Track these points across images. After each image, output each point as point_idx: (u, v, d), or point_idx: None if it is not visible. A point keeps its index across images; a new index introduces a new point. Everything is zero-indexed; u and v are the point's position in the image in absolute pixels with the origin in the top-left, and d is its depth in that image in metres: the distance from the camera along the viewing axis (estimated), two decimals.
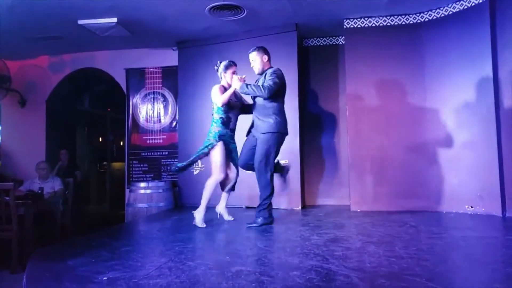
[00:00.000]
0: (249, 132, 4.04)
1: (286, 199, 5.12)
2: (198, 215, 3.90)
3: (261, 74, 3.91)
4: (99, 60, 6.58)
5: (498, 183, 4.19)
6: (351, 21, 5.11)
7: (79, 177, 6.71)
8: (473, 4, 4.46)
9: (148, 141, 6.37)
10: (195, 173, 5.71)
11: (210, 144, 3.89)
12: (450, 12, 4.68)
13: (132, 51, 6.37)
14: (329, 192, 5.62)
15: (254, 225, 3.82)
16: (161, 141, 6.34)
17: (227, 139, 3.94)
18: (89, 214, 7.85)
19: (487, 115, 4.32)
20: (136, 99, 6.44)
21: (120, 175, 7.55)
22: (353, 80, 5.08)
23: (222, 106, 3.80)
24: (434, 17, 4.82)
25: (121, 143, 8.74)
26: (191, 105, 5.83)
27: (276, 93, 3.75)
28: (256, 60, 3.94)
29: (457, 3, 4.59)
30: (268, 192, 3.82)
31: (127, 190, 6.11)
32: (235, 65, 4.04)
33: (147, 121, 6.40)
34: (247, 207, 5.31)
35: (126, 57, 6.41)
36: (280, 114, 3.82)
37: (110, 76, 6.58)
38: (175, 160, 6.08)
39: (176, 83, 6.04)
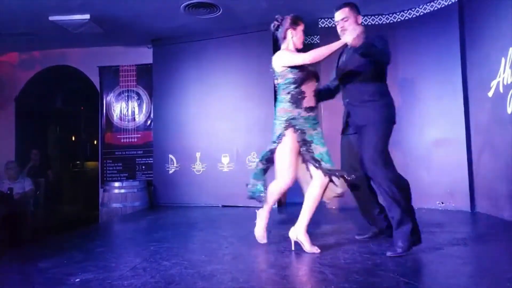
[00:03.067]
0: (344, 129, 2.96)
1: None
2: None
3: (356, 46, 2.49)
4: (71, 58, 6.41)
5: (467, 180, 4.34)
6: (326, 21, 5.17)
7: (51, 177, 6.54)
8: (443, 5, 4.59)
9: (122, 140, 6.27)
10: (170, 172, 5.66)
11: (278, 136, 2.71)
12: (422, 13, 4.80)
13: (105, 49, 6.24)
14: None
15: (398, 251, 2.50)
16: (135, 140, 6.24)
17: (301, 124, 2.70)
18: (62, 215, 7.65)
19: (456, 113, 4.46)
20: (110, 97, 6.31)
21: (94, 175, 7.38)
22: (327, 78, 5.12)
23: (309, 63, 2.65)
24: (407, 18, 4.93)
25: (95, 142, 8.56)
26: (166, 103, 5.77)
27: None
28: (349, 20, 2.72)
29: (428, 4, 4.71)
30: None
31: (101, 190, 6.00)
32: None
33: (121, 120, 6.29)
34: (223, 206, 5.30)
35: (100, 55, 6.27)
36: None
37: (83, 73, 6.43)
38: (150, 159, 5.99)
39: (151, 81, 5.97)
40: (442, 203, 4.55)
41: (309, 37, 5.83)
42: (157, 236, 3.41)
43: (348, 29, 2.59)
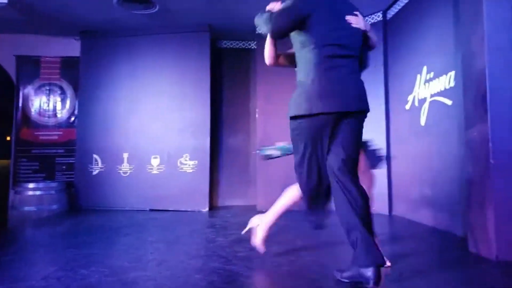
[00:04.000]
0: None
1: (192, 200, 5.03)
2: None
3: None
4: None
5: (386, 185, 4.64)
6: None
7: None
8: (370, 23, 4.88)
9: (41, 137, 5.78)
10: (94, 173, 5.34)
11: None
12: None
13: (25, 37, 5.72)
14: (238, 192, 5.69)
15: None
16: (56, 137, 5.80)
17: None
18: None
19: (379, 123, 4.77)
20: (28, 90, 5.79)
21: (4, 175, 6.72)
22: (263, 84, 5.22)
23: None
24: None
25: (8, 138, 7.80)
26: (93, 99, 5.43)
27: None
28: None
29: None
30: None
31: (11, 192, 5.47)
32: None
33: (40, 115, 5.81)
34: (151, 210, 5.12)
35: (18, 43, 5.74)
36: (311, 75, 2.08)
37: None
38: (72, 159, 5.60)
39: (77, 75, 5.59)
40: None
41: (247, 42, 5.89)
42: (75, 242, 3.19)
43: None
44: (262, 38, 5.13)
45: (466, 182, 2.84)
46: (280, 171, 5.10)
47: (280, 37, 2.17)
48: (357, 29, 2.11)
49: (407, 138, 4.30)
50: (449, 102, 3.46)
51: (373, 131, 4.79)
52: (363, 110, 2.16)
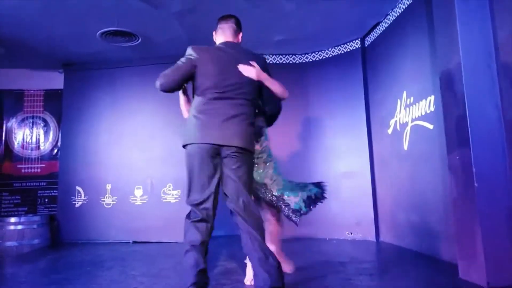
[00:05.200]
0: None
1: (176, 231, 4.93)
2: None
3: None
4: None
5: (372, 211, 4.65)
6: None
7: None
8: (348, 50, 5.04)
9: (23, 170, 5.69)
10: (77, 205, 5.24)
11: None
12: (330, 55, 5.20)
13: (8, 71, 5.71)
14: (223, 222, 5.57)
15: None
16: (39, 170, 5.71)
17: None
18: None
19: (361, 148, 4.82)
20: (11, 123, 5.75)
21: None
22: None
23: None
24: (318, 59, 5.30)
25: None
26: (76, 131, 5.39)
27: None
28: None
29: (336, 47, 5.14)
30: None
31: None
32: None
33: (23, 148, 5.74)
34: (134, 242, 5.01)
35: (1, 77, 5.73)
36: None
37: None
38: (54, 191, 5.51)
39: (61, 107, 5.58)
40: (351, 233, 4.80)
41: None
42: (57, 278, 3.09)
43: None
44: None
45: (451, 206, 2.84)
46: None
47: (170, 91, 2.39)
48: (248, 78, 2.34)
49: (390, 162, 4.35)
50: (430, 126, 3.52)
51: (356, 156, 4.86)
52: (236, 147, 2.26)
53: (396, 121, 4.18)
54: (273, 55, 5.36)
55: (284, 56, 5.37)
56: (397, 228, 4.21)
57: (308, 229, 4.97)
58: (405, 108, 3.98)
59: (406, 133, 3.95)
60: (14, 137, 5.75)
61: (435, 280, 2.76)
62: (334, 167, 5.02)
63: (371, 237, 4.63)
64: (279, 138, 5.21)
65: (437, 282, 2.69)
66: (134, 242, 5.00)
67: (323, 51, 5.25)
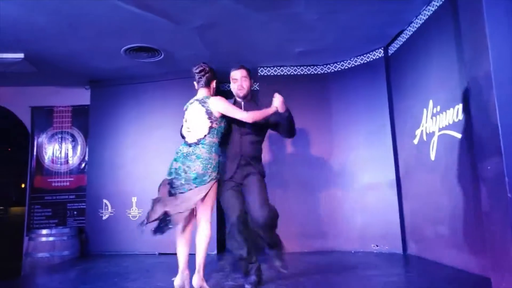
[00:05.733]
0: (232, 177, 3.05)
1: None
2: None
3: (244, 98, 3.16)
4: (0, 96, 6.03)
5: (398, 223, 4.53)
6: (265, 69, 5.38)
7: None
8: (371, 59, 4.98)
9: (53, 184, 5.87)
10: (104, 217, 5.35)
11: (209, 180, 2.81)
12: (353, 65, 5.16)
13: (39, 88, 5.96)
14: None
15: None
16: (68, 183, 5.88)
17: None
18: None
19: (386, 159, 4.72)
20: (42, 139, 5.97)
21: (19, 222, 6.78)
22: None
23: (247, 121, 2.90)
24: (339, 69, 5.27)
25: (22, 186, 7.94)
26: (102, 145, 5.55)
27: None
28: (247, 80, 3.15)
29: (358, 57, 5.09)
30: None
31: (26, 238, 5.50)
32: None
33: (53, 162, 5.93)
34: (160, 254, 5.06)
35: (32, 94, 5.97)
36: None
37: (13, 114, 6.05)
38: (83, 204, 5.65)
39: (87, 122, 5.75)
40: (377, 245, 4.69)
41: None
42: None
43: (245, 87, 3.10)
44: (264, 80, 5.28)
45: (483, 218, 2.73)
46: (283, 213, 5.03)
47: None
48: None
49: (417, 173, 4.24)
50: (458, 135, 3.41)
51: (381, 167, 4.76)
52: None
53: (422, 130, 4.09)
54: (293, 66, 5.37)
55: (305, 67, 5.37)
56: (425, 241, 4.08)
57: (333, 241, 4.91)
58: (431, 117, 3.88)
59: (433, 143, 3.85)
60: (45, 152, 5.95)
61: None
62: (359, 179, 4.94)
63: (398, 249, 4.51)
64: (302, 150, 5.20)
65: None
66: (160, 254, 5.05)
67: (345, 61, 5.22)
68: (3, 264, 7.26)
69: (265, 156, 5.17)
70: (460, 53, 3.26)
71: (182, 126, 3.07)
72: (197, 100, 2.99)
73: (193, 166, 2.75)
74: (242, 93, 3.11)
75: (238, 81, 3.10)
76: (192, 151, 2.81)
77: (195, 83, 3.10)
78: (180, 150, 2.88)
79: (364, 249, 4.74)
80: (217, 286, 3.14)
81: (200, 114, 2.90)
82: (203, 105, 2.91)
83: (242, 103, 3.13)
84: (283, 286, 2.98)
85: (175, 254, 4.89)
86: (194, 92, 5.58)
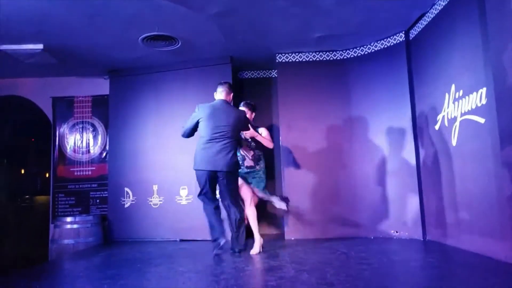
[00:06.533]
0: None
1: None
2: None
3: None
4: (22, 88, 6.17)
5: (418, 209, 4.49)
6: (283, 56, 5.34)
7: None
8: (391, 44, 4.88)
9: (75, 173, 6.02)
10: (126, 205, 5.46)
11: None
12: (373, 50, 5.07)
13: (59, 79, 6.07)
14: (265, 221, 5.64)
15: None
16: (90, 172, 6.01)
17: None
18: (7, 253, 7.12)
19: (407, 145, 4.66)
20: (63, 129, 6.10)
21: (45, 210, 6.99)
22: (286, 112, 5.26)
23: (267, 146, 4.36)
24: (359, 54, 5.19)
25: (46, 175, 8.16)
26: (122, 134, 5.63)
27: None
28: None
29: (378, 42, 5.00)
30: None
31: (51, 226, 5.68)
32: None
33: (75, 152, 6.06)
34: (181, 240, 5.15)
35: (53, 85, 6.09)
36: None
37: (35, 104, 6.19)
38: (105, 193, 5.78)
39: (107, 112, 5.84)
40: (397, 232, 4.67)
41: (267, 71, 6.00)
42: (110, 273, 3.24)
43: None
44: (282, 66, 5.25)
45: (506, 203, 2.69)
46: (306, 200, 5.06)
47: (188, 136, 4.06)
48: (231, 127, 3.83)
49: (438, 159, 4.17)
50: (481, 120, 3.34)
51: (401, 153, 4.71)
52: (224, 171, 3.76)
53: (443, 116, 4.01)
54: (312, 52, 5.31)
55: (324, 53, 5.31)
56: (446, 227, 4.04)
57: (353, 228, 4.91)
58: (453, 102, 3.80)
59: (455, 128, 3.78)
60: (66, 142, 6.08)
61: (489, 279, 2.63)
62: (379, 165, 4.90)
63: (418, 235, 4.48)
64: (321, 136, 5.18)
65: (492, 281, 2.56)
66: (181, 240, 5.14)
67: (365, 46, 5.14)
68: (31, 250, 7.53)
69: (285, 143, 5.19)
70: (484, 35, 3.17)
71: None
72: None
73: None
74: None
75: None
76: None
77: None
78: None
79: (384, 236, 4.73)
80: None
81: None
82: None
83: None
84: (303, 271, 3.00)
85: (196, 240, 5.03)
86: (211, 80, 5.65)
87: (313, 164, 5.13)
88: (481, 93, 3.31)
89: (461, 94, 3.66)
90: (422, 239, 4.42)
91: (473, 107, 3.44)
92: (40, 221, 6.98)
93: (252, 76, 6.05)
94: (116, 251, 4.54)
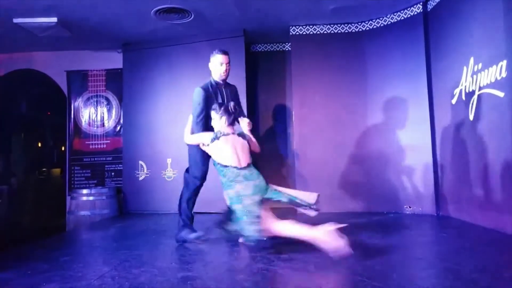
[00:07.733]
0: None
1: None
2: None
3: (223, 81, 3.51)
4: (37, 61, 6.21)
5: (433, 184, 4.47)
6: (297, 28, 5.24)
7: (15, 184, 6.29)
8: (408, 15, 4.75)
9: (91, 146, 6.11)
10: (140, 178, 5.56)
11: None
12: (389, 22, 4.94)
13: (73, 53, 6.08)
14: None
15: None
16: (104, 146, 6.10)
17: None
18: (26, 223, 7.36)
19: (422, 120, 4.60)
20: (78, 103, 6.16)
21: (61, 182, 7.16)
22: (299, 86, 5.21)
23: None
24: (374, 27, 5.07)
25: (62, 148, 8.31)
26: (136, 108, 5.67)
27: None
28: (229, 65, 3.48)
29: (395, 14, 4.87)
30: None
31: (68, 198, 5.82)
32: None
33: (89, 125, 6.14)
34: (195, 213, 5.22)
35: (67, 59, 6.11)
36: None
37: (50, 78, 6.24)
38: (119, 166, 5.87)
39: (121, 86, 5.86)
40: (410, 207, 4.67)
41: (281, 44, 5.91)
42: (126, 244, 3.34)
43: (228, 71, 3.47)
44: (296, 39, 5.16)
45: None
46: (318, 175, 5.06)
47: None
48: None
49: (454, 134, 4.12)
50: (501, 94, 3.26)
51: (417, 128, 4.66)
52: None
53: (461, 90, 3.93)
54: (326, 25, 5.20)
55: (339, 25, 5.19)
56: (460, 202, 4.03)
57: (366, 203, 4.93)
58: (471, 76, 3.72)
59: (473, 102, 3.71)
60: (81, 115, 6.15)
61: (503, 254, 2.63)
62: (394, 140, 4.85)
63: (431, 211, 4.48)
64: (336, 111, 5.13)
65: (508, 257, 2.57)
66: (195, 213, 5.22)
67: (380, 19, 5.01)
68: (49, 221, 7.76)
69: (298, 118, 5.16)
70: (507, 4, 3.06)
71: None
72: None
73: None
74: (225, 76, 3.45)
75: (225, 65, 3.38)
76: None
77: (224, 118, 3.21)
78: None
79: (397, 210, 4.74)
80: None
81: (244, 144, 3.19)
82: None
83: (223, 85, 3.47)
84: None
85: (208, 213, 5.11)
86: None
87: (327, 139, 5.11)
88: (501, 66, 3.22)
89: (480, 67, 3.57)
90: (435, 214, 4.42)
91: (492, 80, 3.36)
92: (57, 193, 7.16)
93: (265, 50, 5.97)
94: (131, 223, 4.66)
